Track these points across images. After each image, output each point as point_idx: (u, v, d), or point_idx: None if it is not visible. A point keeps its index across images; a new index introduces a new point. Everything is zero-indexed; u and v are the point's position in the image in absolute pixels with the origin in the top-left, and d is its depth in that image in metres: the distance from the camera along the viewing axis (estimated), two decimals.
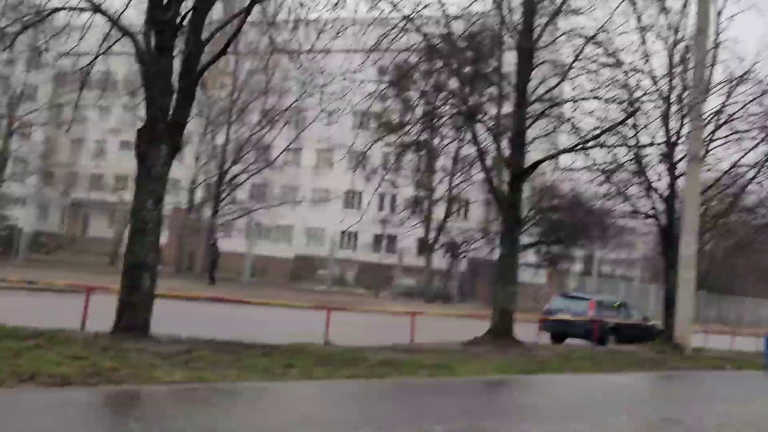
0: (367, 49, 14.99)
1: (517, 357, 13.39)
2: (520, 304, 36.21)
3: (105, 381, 6.47)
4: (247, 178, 39.87)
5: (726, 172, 20.30)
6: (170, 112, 10.33)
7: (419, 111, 17.07)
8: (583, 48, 15.52)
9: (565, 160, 25.15)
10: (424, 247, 40.49)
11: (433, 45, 15.39)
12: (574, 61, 15.58)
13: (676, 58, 19.43)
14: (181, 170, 39.76)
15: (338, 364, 9.95)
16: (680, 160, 19.19)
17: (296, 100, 35.36)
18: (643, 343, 19.93)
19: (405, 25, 14.77)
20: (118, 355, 7.90)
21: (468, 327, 16.21)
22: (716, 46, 19.74)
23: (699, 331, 23.57)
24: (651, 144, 17.82)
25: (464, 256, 40.03)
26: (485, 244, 37.61)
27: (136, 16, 11.41)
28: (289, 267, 48.53)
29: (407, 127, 15.94)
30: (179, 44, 10.41)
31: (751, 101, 19.13)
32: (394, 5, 14.25)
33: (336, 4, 12.73)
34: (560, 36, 15.91)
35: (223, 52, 10.71)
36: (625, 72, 16.56)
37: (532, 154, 16.97)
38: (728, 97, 19.73)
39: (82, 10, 10.57)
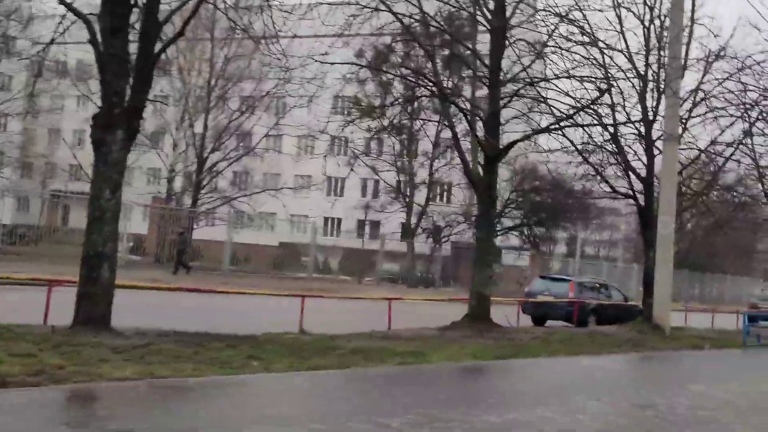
0: (339, 32, 14.67)
1: (494, 341, 13.20)
2: (503, 287, 36.33)
3: (48, 380, 6.14)
4: (227, 166, 39.37)
5: (703, 150, 20.15)
6: (127, 97, 9.95)
7: (396, 93, 16.82)
8: (557, 26, 15.25)
9: (544, 141, 24.98)
10: (407, 232, 40.28)
11: (406, 26, 15.05)
12: (548, 40, 15.29)
13: (653, 36, 19.22)
14: (160, 160, 39.30)
15: (307, 353, 9.69)
16: (657, 139, 19.02)
17: (275, 87, 35.15)
18: (624, 323, 19.86)
19: (376, 4, 14.42)
20: (71, 350, 7.59)
21: (449, 311, 15.99)
22: (692, 22, 19.56)
23: (679, 309, 23.59)
24: (627, 122, 17.58)
25: (446, 241, 39.86)
26: (468, 228, 37.47)
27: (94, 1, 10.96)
28: (273, 255, 48.24)
29: (380, 109, 15.57)
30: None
31: (725, 79, 18.95)
32: None
33: None
34: (534, 14, 15.60)
35: (179, 33, 10.33)
36: (600, 50, 16.33)
37: (511, 137, 16.73)
38: (704, 74, 19.58)
39: None
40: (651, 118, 19.22)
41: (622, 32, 18.76)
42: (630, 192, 20.13)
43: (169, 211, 37.56)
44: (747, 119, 20.70)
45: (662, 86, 18.01)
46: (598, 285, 23.66)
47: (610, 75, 16.81)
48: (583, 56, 16.12)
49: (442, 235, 39.96)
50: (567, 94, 16.32)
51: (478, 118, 16.06)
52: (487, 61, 15.26)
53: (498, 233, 38.97)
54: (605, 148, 20.04)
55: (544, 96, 16.35)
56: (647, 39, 19.21)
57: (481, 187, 15.28)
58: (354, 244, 47.39)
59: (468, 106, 15.36)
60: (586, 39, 16.15)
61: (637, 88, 19.15)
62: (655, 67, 19.23)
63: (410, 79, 15.75)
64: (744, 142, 20.97)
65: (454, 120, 16.25)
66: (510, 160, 35.34)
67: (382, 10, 14.75)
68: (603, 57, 17.21)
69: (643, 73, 19.11)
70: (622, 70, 17.04)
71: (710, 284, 47.70)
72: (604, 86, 14.85)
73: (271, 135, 40.03)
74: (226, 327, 11.07)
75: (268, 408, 6.03)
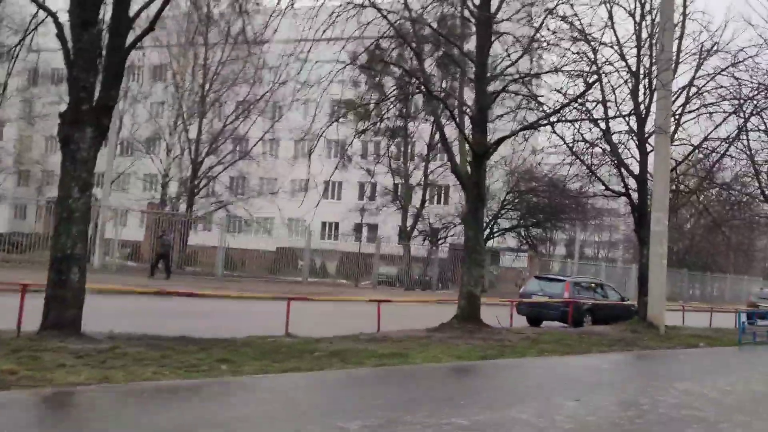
0: (323, 29, 14.42)
1: (483, 342, 12.90)
2: (501, 288, 35.99)
3: None
4: (223, 170, 39.17)
5: (696, 147, 19.84)
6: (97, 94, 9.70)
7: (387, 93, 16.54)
8: (543, 20, 14.99)
9: (537, 140, 24.70)
10: (404, 235, 39.99)
11: (391, 22, 14.79)
12: (535, 34, 15.02)
13: (644, 31, 18.96)
14: (156, 166, 39.07)
15: (282, 356, 9.41)
16: (650, 135, 18.72)
17: (269, 91, 34.92)
18: (619, 323, 19.57)
19: (362, 1, 14.17)
20: (29, 356, 7.31)
21: (440, 313, 15.69)
22: (684, 17, 19.30)
23: (676, 309, 23.25)
24: (617, 116, 17.28)
25: (443, 242, 39.56)
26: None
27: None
28: (270, 259, 47.97)
29: (366, 107, 15.28)
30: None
31: (718, 73, 18.65)
32: None
33: None
34: (521, 8, 15.32)
35: (149, 28, 10.05)
36: (590, 45, 16.06)
37: (502, 134, 16.44)
38: (697, 69, 19.29)
39: None
40: (643, 114, 18.96)
41: (613, 27, 18.53)
42: (623, 190, 19.84)
43: (163, 217, 37.34)
44: (742, 115, 20.41)
45: (654, 81, 17.73)
46: (594, 285, 23.36)
47: (599, 69, 16.56)
48: (572, 51, 15.91)
49: (438, 237, 39.66)
50: (558, 91, 16.08)
51: (466, 115, 15.78)
52: (473, 57, 15.01)
53: (495, 234, 38.80)
54: (598, 146, 19.81)
55: (533, 92, 16.08)
56: (638, 34, 18.96)
57: (469, 184, 14.98)
58: (351, 247, 47.14)
59: (455, 102, 15.06)
60: (576, 34, 15.92)
61: (629, 84, 18.91)
62: (646, 62, 18.98)
63: (395, 76, 15.48)
64: (739, 138, 20.66)
65: (442, 117, 15.97)
66: (506, 161, 35.21)
67: (367, 6, 14.51)
68: (594, 53, 17.00)
69: (634, 68, 18.88)
70: (613, 65, 16.76)
71: (710, 283, 47.30)
72: (591, 80, 14.53)
73: (267, 139, 39.84)
74: (209, 331, 10.82)
75: (219, 412, 5.73)
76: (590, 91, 16.94)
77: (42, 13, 10.50)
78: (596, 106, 16.15)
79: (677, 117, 19.75)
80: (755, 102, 19.96)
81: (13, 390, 5.88)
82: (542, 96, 16.22)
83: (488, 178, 36.58)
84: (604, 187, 20.42)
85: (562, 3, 15.12)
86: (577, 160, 20.15)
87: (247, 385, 7.07)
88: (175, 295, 13.16)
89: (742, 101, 19.50)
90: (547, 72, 14.55)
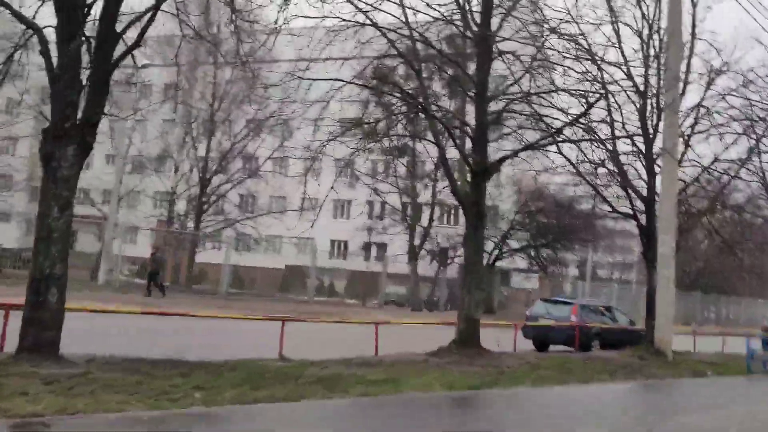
0: (326, 53, 14.27)
1: (481, 368, 12.49)
2: (511, 310, 35.39)
3: None
4: (231, 188, 39.06)
5: (706, 168, 19.40)
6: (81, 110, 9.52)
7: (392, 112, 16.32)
8: (545, 39, 14.69)
9: (545, 161, 24.29)
10: (412, 255, 39.61)
11: (392, 41, 14.58)
12: (536, 54, 14.72)
13: (652, 51, 18.65)
14: (164, 183, 39.06)
15: (265, 383, 9.07)
16: (658, 156, 18.33)
17: (274, 112, 34.84)
18: (627, 348, 19.04)
19: (363, 20, 13.99)
20: None
21: (445, 335, 15.27)
22: (693, 37, 18.97)
23: (686, 333, 22.62)
24: (624, 136, 16.90)
25: (451, 263, 39.11)
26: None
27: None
28: (280, 277, 47.71)
29: (372, 126, 15.01)
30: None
31: (728, 93, 18.27)
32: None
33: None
34: (522, 28, 15.04)
35: (136, 44, 9.87)
36: (595, 63, 15.71)
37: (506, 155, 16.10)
38: (707, 89, 18.92)
39: None
40: (651, 134, 18.59)
41: (620, 46, 18.24)
42: (632, 211, 19.42)
43: (170, 234, 37.23)
44: (753, 136, 19.97)
45: (662, 101, 17.37)
46: (602, 308, 22.80)
47: (606, 89, 16.24)
48: (575, 71, 15.57)
49: (447, 256, 39.25)
50: (561, 110, 15.74)
51: (466, 135, 15.49)
52: (474, 76, 14.74)
53: (504, 255, 38.31)
54: (605, 166, 19.43)
55: (537, 111, 15.75)
56: (645, 53, 18.65)
57: (468, 204, 14.64)
58: (360, 266, 46.81)
59: (455, 121, 14.78)
60: (580, 53, 15.60)
61: (637, 104, 18.57)
62: (654, 81, 18.64)
63: (396, 95, 15.22)
64: (750, 159, 20.20)
65: (442, 136, 15.68)
66: (514, 181, 34.84)
67: (367, 25, 14.32)
68: (600, 72, 16.67)
69: (642, 89, 18.54)
70: (619, 84, 16.42)
71: (725, 306, 46.35)
72: (593, 99, 14.18)
73: (277, 157, 39.72)
74: (203, 352, 10.52)
75: None
76: (596, 111, 16.69)
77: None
78: (600, 125, 15.75)
79: (686, 138, 19.36)
80: (767, 123, 19.52)
81: None
82: (547, 116, 15.89)
83: (497, 198, 36.47)
84: (610, 209, 19.99)
85: (566, 22, 14.84)
86: (584, 181, 19.79)
87: (212, 418, 6.72)
88: (159, 314, 12.86)
89: (753, 122, 19.07)
90: (548, 91, 14.23)
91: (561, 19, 14.88)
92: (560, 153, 19.17)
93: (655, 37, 18.57)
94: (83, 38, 9.45)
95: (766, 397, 12.61)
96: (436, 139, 15.21)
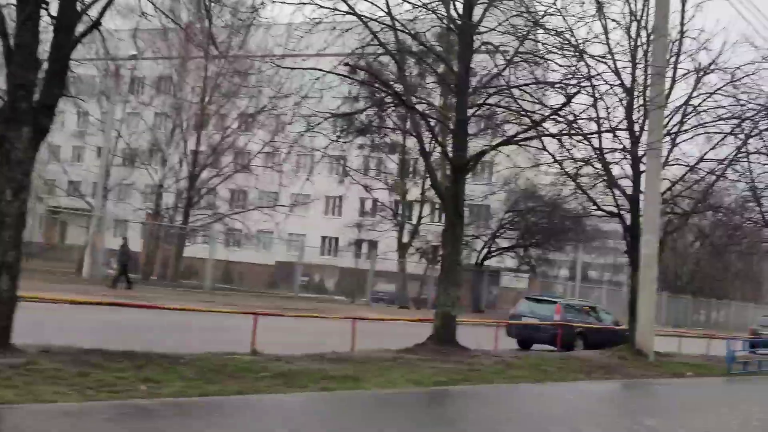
0: (308, 43, 14.00)
1: (452, 365, 12.19)
2: (502, 308, 35.10)
3: None
4: (220, 182, 38.71)
5: (692, 167, 19.14)
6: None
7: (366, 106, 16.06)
8: (528, 31, 14.41)
9: (533, 159, 24.02)
10: (402, 252, 39.33)
11: (373, 32, 14.28)
12: (519, 46, 14.43)
13: (640, 53, 18.37)
14: (154, 177, 38.71)
15: (222, 377, 8.77)
16: (644, 155, 18.06)
17: (264, 107, 34.58)
18: (609, 348, 18.81)
19: (344, 11, 13.69)
20: None
21: (427, 333, 14.98)
22: (681, 35, 18.71)
23: (670, 335, 22.38)
24: (607, 131, 16.60)
25: (440, 260, 38.80)
26: (463, 248, 36.45)
27: None
28: (270, 273, 47.42)
29: (344, 116, 14.72)
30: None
31: (714, 92, 17.99)
32: None
33: None
34: (506, 20, 14.75)
35: (95, 25, 9.55)
36: (579, 55, 15.38)
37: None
38: (694, 88, 18.63)
39: None
40: (638, 132, 18.32)
41: (607, 42, 17.93)
42: (615, 210, 19.14)
43: (157, 228, 36.88)
44: (741, 136, 19.69)
45: (646, 96, 17.11)
46: (587, 308, 22.58)
47: (592, 83, 15.96)
48: (559, 65, 15.27)
49: (437, 254, 38.96)
50: (545, 105, 15.45)
51: (447, 129, 15.22)
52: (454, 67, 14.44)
53: (493, 254, 38.04)
54: (590, 164, 19.16)
55: (520, 105, 15.45)
56: (633, 51, 18.37)
57: (447, 199, 14.36)
58: (350, 263, 46.52)
59: (429, 113, 14.47)
60: (567, 48, 15.30)
61: (623, 101, 18.29)
62: (641, 80, 18.35)
63: (375, 85, 14.94)
64: (737, 160, 19.93)
65: (423, 130, 15.38)
66: (506, 180, 34.58)
67: (348, 13, 14.02)
68: (589, 69, 16.37)
69: (629, 86, 18.27)
70: (603, 77, 16.11)
71: (715, 310, 46.19)
72: (573, 92, 13.89)
73: (268, 152, 39.35)
74: (175, 346, 10.22)
75: None
76: (582, 108, 16.41)
77: None
78: (586, 122, 15.46)
79: (673, 136, 19.09)
80: (755, 123, 19.25)
81: None
82: (531, 112, 15.59)
83: (488, 196, 36.19)
84: (595, 207, 19.72)
85: (550, 14, 14.55)
86: (569, 179, 19.52)
87: (141, 411, 6.38)
88: (115, 305, 12.53)
89: (741, 120, 18.81)
90: (527, 84, 13.93)
91: (545, 12, 14.61)
92: (545, 149, 18.94)
93: (643, 33, 18.29)
94: (40, 14, 9.14)
95: (739, 403, 12.30)
96: (416, 132, 14.92)
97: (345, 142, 15.88)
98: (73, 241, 48.86)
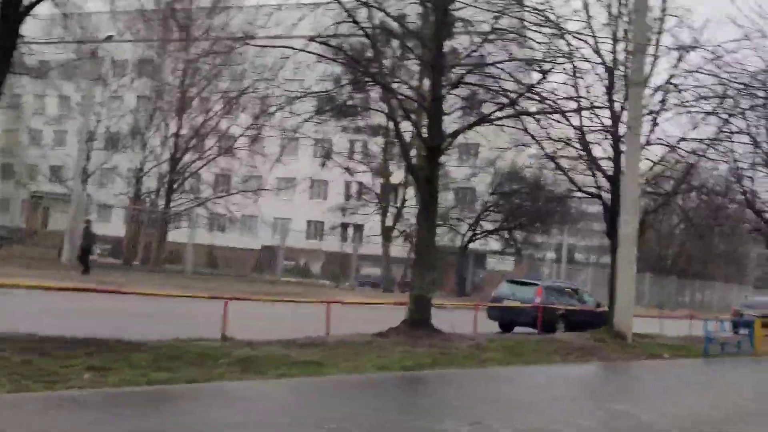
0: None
1: (425, 349, 11.94)
2: (487, 291, 34.94)
3: None
4: (202, 166, 38.23)
5: (673, 147, 18.88)
6: None
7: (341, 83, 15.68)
8: (504, 8, 14.02)
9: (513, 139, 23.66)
10: (386, 236, 39.09)
11: (346, 8, 13.88)
12: (495, 22, 14.06)
13: (621, 33, 18.05)
14: (134, 160, 38.16)
15: (177, 363, 8.46)
16: (624, 135, 17.78)
17: (246, 89, 33.99)
18: (590, 330, 18.65)
19: None
20: None
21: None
22: (663, 13, 18.37)
23: (652, 316, 22.27)
24: (586, 108, 16.29)
25: None
26: (447, 231, 36.26)
27: None
28: (255, 258, 47.05)
29: (315, 95, 14.31)
30: None
31: (695, 70, 17.71)
32: None
33: None
34: None
35: None
36: (557, 32, 15.03)
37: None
38: (676, 65, 18.34)
39: None
40: (618, 112, 18.03)
41: (588, 21, 17.60)
42: (596, 191, 18.90)
43: (139, 213, 36.40)
44: (724, 115, 19.44)
45: (627, 72, 16.82)
46: (569, 290, 22.44)
47: (572, 62, 15.64)
48: (537, 42, 14.90)
49: None
50: (516, 81, 15.06)
51: (422, 108, 14.85)
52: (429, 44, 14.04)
53: (477, 236, 37.84)
54: (570, 144, 18.88)
55: (498, 83, 15.09)
56: (614, 29, 18.05)
57: (421, 179, 14.03)
58: (336, 247, 46.25)
59: (409, 93, 14.12)
60: (541, 21, 14.93)
61: (604, 81, 18.01)
62: (622, 57, 18.04)
63: (346, 64, 14.55)
64: (719, 140, 19.68)
65: (393, 108, 15.01)
66: (491, 162, 34.28)
67: None
68: (570, 47, 16.04)
69: (610, 64, 17.95)
70: (585, 58, 15.80)
71: (699, 291, 46.26)
72: (547, 67, 13.55)
73: (251, 135, 38.85)
74: (143, 332, 9.89)
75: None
76: (563, 88, 16.09)
77: None
78: (554, 96, 15.10)
79: (654, 115, 18.82)
80: (736, 102, 19.00)
81: None
82: (509, 91, 15.23)
83: (472, 179, 35.90)
84: (576, 188, 19.48)
85: None
86: (550, 160, 19.25)
87: (72, 401, 6.05)
88: (83, 291, 12.19)
89: (722, 98, 18.54)
90: (502, 61, 13.57)
91: None
92: (525, 130, 18.63)
93: (623, 11, 17.95)
94: None
95: (714, 384, 12.12)
96: (389, 111, 14.56)
97: (319, 122, 15.48)
98: (55, 226, 48.30)
